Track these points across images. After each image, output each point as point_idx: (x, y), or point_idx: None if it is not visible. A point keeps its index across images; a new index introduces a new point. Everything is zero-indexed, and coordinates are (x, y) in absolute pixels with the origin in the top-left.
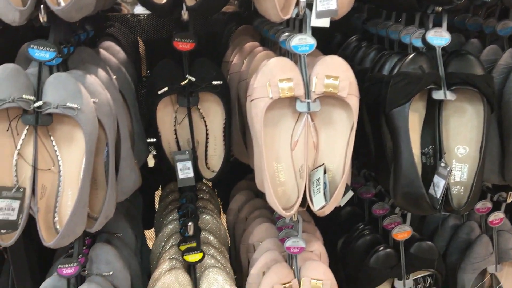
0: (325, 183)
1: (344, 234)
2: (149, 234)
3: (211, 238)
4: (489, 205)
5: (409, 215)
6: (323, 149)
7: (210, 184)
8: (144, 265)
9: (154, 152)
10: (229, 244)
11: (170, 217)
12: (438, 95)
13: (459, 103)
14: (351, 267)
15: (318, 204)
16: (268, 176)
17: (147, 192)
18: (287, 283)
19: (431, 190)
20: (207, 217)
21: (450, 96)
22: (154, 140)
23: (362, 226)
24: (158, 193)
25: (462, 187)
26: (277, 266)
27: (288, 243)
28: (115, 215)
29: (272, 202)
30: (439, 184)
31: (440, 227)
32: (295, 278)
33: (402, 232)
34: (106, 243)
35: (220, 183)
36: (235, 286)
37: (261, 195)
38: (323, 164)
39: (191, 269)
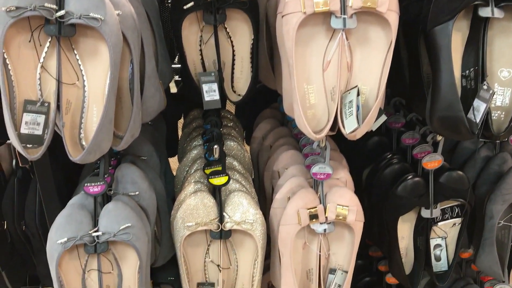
0: (358, 106)
1: (370, 165)
2: (172, 163)
3: (235, 163)
4: None
5: (440, 144)
6: (357, 70)
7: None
8: (168, 190)
9: (176, 77)
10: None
11: (194, 142)
12: (484, 12)
13: (507, 22)
14: (377, 196)
15: (350, 127)
16: (298, 98)
17: (170, 120)
18: (312, 208)
19: (470, 115)
20: (232, 143)
21: (498, 13)
22: (178, 65)
23: (390, 155)
24: (180, 122)
25: (503, 112)
26: (302, 191)
27: (315, 169)
28: (140, 138)
29: (301, 124)
30: (479, 108)
31: (471, 159)
32: (320, 203)
33: (432, 161)
34: (131, 164)
35: (242, 113)
36: (260, 210)
37: (286, 124)
38: (356, 86)
39: (216, 193)
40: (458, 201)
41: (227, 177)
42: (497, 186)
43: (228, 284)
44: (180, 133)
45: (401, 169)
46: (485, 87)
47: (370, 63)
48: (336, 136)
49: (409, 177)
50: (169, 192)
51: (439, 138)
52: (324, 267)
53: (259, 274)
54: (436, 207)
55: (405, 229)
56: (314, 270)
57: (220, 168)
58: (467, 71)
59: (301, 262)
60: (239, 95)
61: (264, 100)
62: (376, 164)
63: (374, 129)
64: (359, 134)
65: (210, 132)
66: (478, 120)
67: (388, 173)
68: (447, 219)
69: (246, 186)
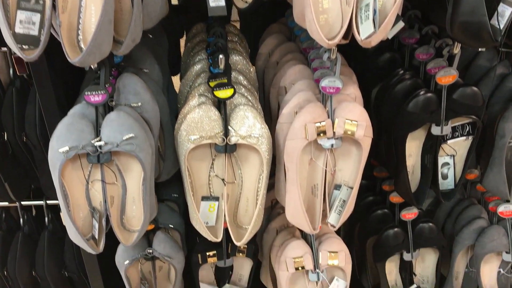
0: (374, 10)
1: (380, 83)
2: (175, 82)
3: (241, 78)
4: None
5: (457, 58)
6: None
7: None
8: (171, 108)
9: None
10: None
11: (198, 57)
12: None
13: None
14: (387, 113)
15: (366, 32)
16: (310, 2)
17: (172, 36)
18: (320, 122)
19: (493, 21)
20: (237, 57)
21: None
22: None
23: (402, 71)
24: (183, 41)
25: None
26: (311, 105)
27: (324, 82)
28: (141, 50)
29: (313, 30)
30: (504, 13)
31: (486, 76)
32: (328, 118)
33: (447, 76)
34: (133, 74)
35: (248, 29)
36: (266, 124)
37: (294, 39)
38: None
39: (221, 106)
40: (470, 118)
41: (232, 90)
42: (511, 103)
43: (233, 198)
44: (183, 50)
45: (413, 85)
46: None
47: None
48: (346, 53)
49: (422, 92)
50: (172, 110)
51: (455, 50)
52: (330, 183)
53: (264, 189)
54: (447, 124)
55: (413, 147)
56: (319, 186)
57: (225, 81)
58: None
59: (307, 178)
60: (246, 1)
61: (271, 15)
62: (387, 81)
63: (390, 37)
64: (374, 41)
65: (215, 43)
66: (502, 27)
67: (399, 89)
68: (457, 137)
69: (252, 100)
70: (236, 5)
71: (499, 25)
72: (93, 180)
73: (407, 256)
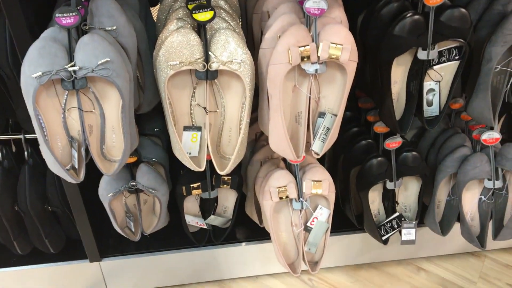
0: None
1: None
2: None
3: (221, 2)
4: None
5: None
6: None
7: None
8: (149, 35)
9: None
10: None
11: None
12: None
13: None
14: (372, 38)
15: None
16: None
17: None
18: (304, 46)
19: None
20: None
21: None
22: None
23: None
24: None
25: None
26: (294, 27)
27: (308, 3)
28: None
29: None
30: None
31: (473, 0)
32: (313, 42)
33: None
34: None
35: None
36: (248, 50)
37: None
38: None
39: (201, 31)
40: (457, 42)
41: (212, 12)
42: (499, 26)
43: (215, 127)
44: None
45: (400, 7)
46: None
47: None
48: None
49: (409, 15)
50: (151, 38)
51: None
52: (314, 111)
53: (247, 117)
54: (433, 48)
55: (398, 73)
56: (303, 113)
57: (204, 2)
58: None
59: (290, 105)
60: None
61: None
62: (373, 5)
63: None
64: None
65: None
66: None
67: (385, 12)
68: (444, 62)
69: (234, 26)
70: None
71: None
72: (70, 108)
73: (390, 185)
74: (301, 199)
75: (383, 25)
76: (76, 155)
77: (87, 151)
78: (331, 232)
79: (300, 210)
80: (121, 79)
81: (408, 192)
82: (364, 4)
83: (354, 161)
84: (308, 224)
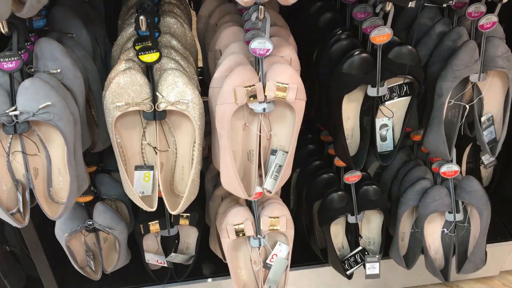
0: None
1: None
2: None
3: (174, 42)
4: (483, 9)
5: (390, 16)
6: None
7: None
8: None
9: None
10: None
11: (130, 20)
12: None
13: None
14: (324, 74)
15: None
16: None
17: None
18: (250, 86)
19: None
20: (171, 19)
21: None
22: None
23: (340, 31)
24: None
25: None
26: (240, 68)
27: (254, 44)
28: (67, 13)
29: None
30: None
31: (426, 35)
32: (259, 81)
33: (381, 35)
34: (51, 39)
35: None
36: (197, 90)
37: (234, 1)
38: None
39: (148, 71)
40: (407, 78)
41: (158, 54)
42: (448, 61)
43: (168, 166)
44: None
45: (349, 45)
46: None
47: None
48: (287, 14)
49: (356, 53)
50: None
51: (388, 8)
52: (266, 148)
53: (198, 157)
54: (383, 85)
55: (351, 109)
56: (254, 151)
57: (150, 44)
58: None
59: (242, 143)
60: None
61: None
62: (324, 42)
63: None
64: None
65: (140, 4)
66: None
67: (335, 50)
68: (395, 98)
69: (184, 66)
70: None
71: None
72: (14, 151)
73: (351, 219)
74: (259, 236)
75: (333, 63)
76: (21, 198)
77: (31, 193)
78: (300, 266)
79: (259, 247)
80: (64, 122)
81: (371, 225)
82: (320, 39)
83: (316, 195)
84: (268, 261)
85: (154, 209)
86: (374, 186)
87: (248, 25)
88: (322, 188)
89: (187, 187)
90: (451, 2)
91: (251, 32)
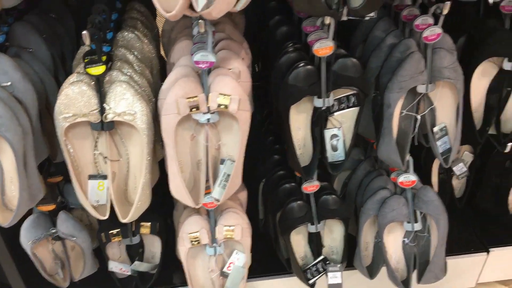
0: None
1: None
2: None
3: (129, 56)
4: (430, 21)
5: (331, 28)
6: None
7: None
8: None
9: None
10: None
11: None
12: None
13: None
14: (273, 86)
15: (202, 3)
16: None
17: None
18: (193, 97)
19: None
20: (129, 34)
21: None
22: None
23: (291, 44)
24: None
25: None
26: (183, 80)
27: (197, 57)
28: (26, 28)
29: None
30: None
31: (377, 47)
32: (203, 93)
33: (323, 48)
34: (1, 53)
35: None
36: (145, 102)
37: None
38: None
39: (97, 83)
40: (354, 90)
41: (104, 67)
42: (394, 73)
43: (121, 176)
44: None
45: (297, 57)
46: None
47: None
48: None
49: (301, 64)
50: None
51: (326, 22)
52: (215, 158)
53: (148, 166)
54: (329, 96)
55: (301, 120)
56: (203, 161)
57: (96, 57)
58: None
59: (190, 153)
60: None
61: None
62: (275, 55)
63: (238, 9)
64: (215, 12)
65: (92, 20)
66: None
67: (283, 62)
68: (344, 108)
69: (137, 78)
70: None
71: None
72: None
73: (311, 228)
74: (214, 244)
75: (281, 75)
76: None
77: None
78: (267, 275)
79: (215, 256)
80: (12, 133)
81: (333, 234)
82: (278, 52)
83: (278, 205)
84: (225, 269)
85: (106, 217)
86: (333, 196)
87: (196, 39)
88: (284, 198)
89: (137, 196)
90: (372, 15)
91: (197, 45)
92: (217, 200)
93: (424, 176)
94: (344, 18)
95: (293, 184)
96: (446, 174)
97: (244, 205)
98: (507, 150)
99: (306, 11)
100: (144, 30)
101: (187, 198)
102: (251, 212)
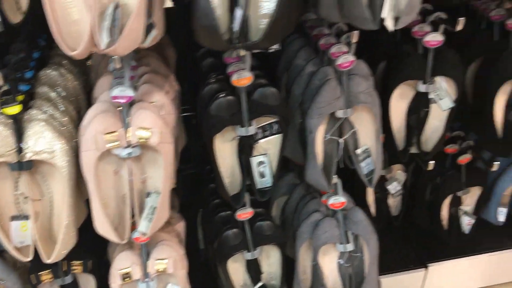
0: (114, 19)
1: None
2: None
3: (51, 94)
4: (344, 49)
5: (247, 60)
6: None
7: None
8: None
9: None
10: None
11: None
12: None
13: None
14: (199, 115)
15: (105, 41)
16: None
17: None
18: (111, 133)
19: (233, 24)
20: (52, 72)
21: None
22: None
23: (215, 75)
24: None
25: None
26: (102, 115)
27: (114, 92)
28: None
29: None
30: (236, 15)
31: (298, 75)
32: (122, 128)
33: (242, 78)
34: None
35: None
36: (65, 140)
37: None
38: None
39: (15, 123)
40: (275, 117)
41: (20, 106)
42: (313, 100)
43: (45, 215)
44: None
45: (218, 88)
46: None
47: None
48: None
49: (221, 95)
50: None
51: (242, 53)
52: (141, 191)
53: (71, 205)
54: (251, 125)
55: (227, 149)
56: (127, 195)
57: (11, 97)
58: None
59: (114, 188)
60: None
61: None
62: (201, 86)
63: (146, 46)
64: (119, 50)
65: (9, 60)
66: (236, 28)
67: (206, 93)
68: (268, 136)
69: (57, 116)
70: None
71: (235, 27)
72: None
73: (247, 255)
74: (146, 279)
75: (204, 105)
76: None
77: None
78: None
79: None
80: None
81: (271, 260)
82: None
83: (215, 234)
84: None
85: (30, 258)
86: (268, 222)
87: (117, 74)
88: (220, 227)
89: (60, 235)
90: (276, 47)
91: (116, 80)
92: (144, 234)
93: (360, 196)
94: (243, 52)
95: (228, 212)
96: (382, 193)
97: (183, 236)
98: (430, 168)
99: (207, 45)
100: (70, 67)
101: (111, 235)
102: (194, 243)
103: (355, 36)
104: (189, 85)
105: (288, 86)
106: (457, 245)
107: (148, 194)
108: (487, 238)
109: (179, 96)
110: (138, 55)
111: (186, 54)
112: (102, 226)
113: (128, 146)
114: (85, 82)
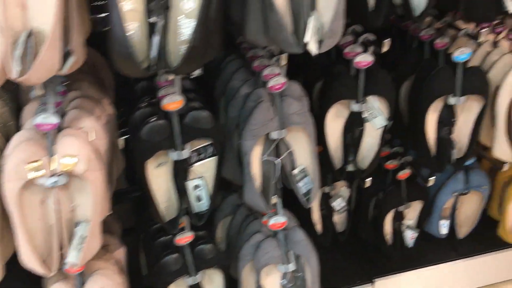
0: (26, 47)
1: None
2: None
3: None
4: (276, 71)
5: (177, 83)
6: None
7: None
8: None
9: None
10: None
11: None
12: None
13: None
14: (130, 140)
15: (17, 69)
16: None
17: None
18: (35, 161)
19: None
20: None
21: None
22: None
23: (148, 99)
24: None
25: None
26: (24, 143)
27: (38, 119)
28: None
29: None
30: (153, 42)
31: (233, 98)
32: (47, 156)
33: (172, 102)
34: None
35: None
36: None
37: None
38: None
39: None
40: (209, 140)
41: None
42: (246, 121)
43: None
44: None
45: (149, 112)
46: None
47: None
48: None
49: (152, 119)
50: None
51: (170, 77)
52: (70, 221)
53: None
54: (183, 148)
55: (161, 174)
56: (55, 225)
57: None
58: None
59: (41, 219)
60: None
61: None
62: (133, 110)
63: (64, 72)
64: (32, 79)
65: None
66: (154, 55)
67: (137, 117)
68: (203, 159)
69: None
70: None
71: (152, 53)
72: None
73: (189, 281)
74: None
75: (136, 129)
76: None
77: None
78: None
79: None
80: None
81: (214, 284)
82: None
83: (155, 259)
84: None
85: None
86: (209, 245)
87: (42, 100)
88: (160, 252)
89: None
90: (199, 72)
91: (41, 107)
92: (75, 265)
93: (306, 214)
94: (171, 76)
95: (168, 237)
96: (327, 210)
97: (123, 263)
98: (368, 185)
99: (125, 72)
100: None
101: (38, 267)
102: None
103: (283, 59)
104: (130, 107)
105: (225, 107)
106: (402, 259)
107: (77, 224)
108: (431, 250)
109: (114, 120)
110: (71, 79)
111: (126, 77)
112: (29, 260)
113: (53, 175)
114: (16, 108)
